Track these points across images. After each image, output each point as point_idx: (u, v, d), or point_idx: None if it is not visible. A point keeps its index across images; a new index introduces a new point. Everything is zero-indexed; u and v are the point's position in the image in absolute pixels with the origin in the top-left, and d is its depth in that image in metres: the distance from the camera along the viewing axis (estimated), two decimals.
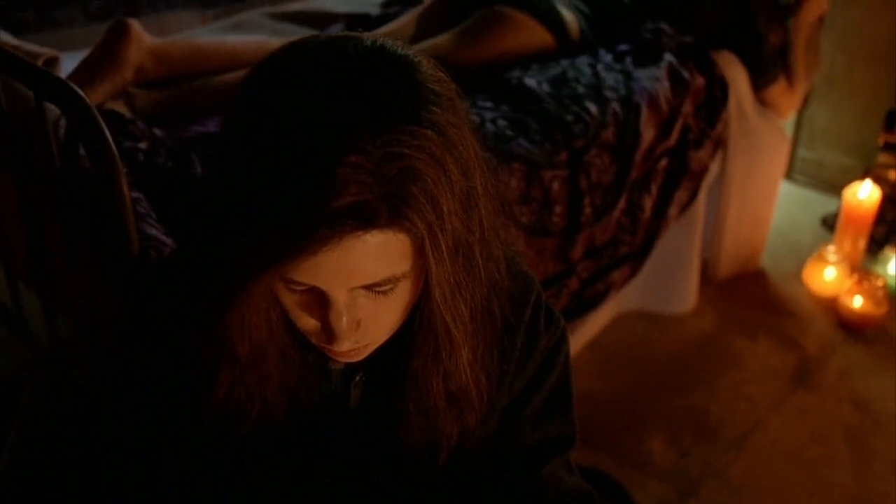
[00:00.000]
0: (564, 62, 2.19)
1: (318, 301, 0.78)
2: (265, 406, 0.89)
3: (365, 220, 0.70)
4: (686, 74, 2.20)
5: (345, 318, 0.77)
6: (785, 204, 2.94)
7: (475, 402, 0.91)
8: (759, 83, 2.45)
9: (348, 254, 0.72)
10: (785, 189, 3.07)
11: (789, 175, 3.18)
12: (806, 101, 3.04)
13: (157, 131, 1.60)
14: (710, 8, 2.39)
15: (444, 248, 0.75)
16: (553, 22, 2.26)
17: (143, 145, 1.51)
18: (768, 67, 2.45)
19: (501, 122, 1.89)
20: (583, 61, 2.20)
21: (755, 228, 2.62)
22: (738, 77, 2.38)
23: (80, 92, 1.23)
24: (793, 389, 2.22)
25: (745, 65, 2.41)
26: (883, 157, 2.66)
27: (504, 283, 0.91)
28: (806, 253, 2.67)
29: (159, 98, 1.81)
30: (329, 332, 0.79)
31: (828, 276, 2.52)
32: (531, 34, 2.22)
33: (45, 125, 1.32)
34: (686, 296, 2.47)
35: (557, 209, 1.87)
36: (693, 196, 2.28)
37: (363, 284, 0.76)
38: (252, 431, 0.91)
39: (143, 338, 0.94)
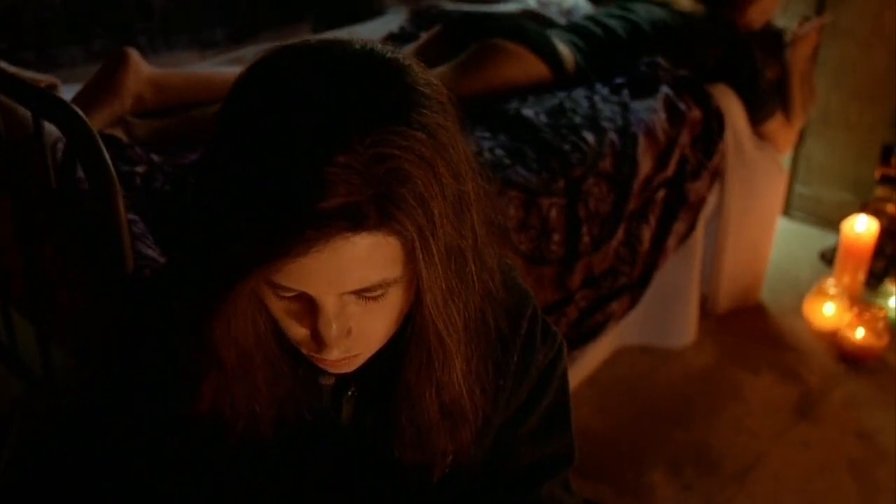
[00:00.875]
0: (561, 94, 2.20)
1: (307, 308, 0.76)
2: (253, 419, 0.87)
3: (353, 221, 0.68)
4: (682, 106, 2.21)
5: (334, 326, 0.75)
6: (783, 240, 2.94)
7: (469, 415, 0.89)
8: (757, 117, 2.46)
9: (337, 257, 0.70)
10: (783, 225, 3.08)
11: (787, 211, 3.18)
12: (802, 138, 3.06)
13: (155, 157, 1.60)
14: (705, 42, 2.42)
15: (435, 252, 0.74)
16: (549, 54, 2.27)
17: (140, 169, 1.51)
18: (765, 101, 2.47)
19: (499, 151, 1.89)
20: (579, 93, 2.21)
21: (754, 262, 2.61)
22: (734, 110, 2.39)
23: (79, 111, 1.22)
24: (795, 422, 2.19)
25: (742, 99, 2.43)
26: (880, 191, 2.66)
27: (499, 293, 0.90)
28: (805, 287, 2.66)
29: (157, 127, 1.81)
30: (319, 341, 0.77)
31: (827, 310, 2.51)
32: (528, 66, 2.24)
33: (43, 145, 1.32)
34: (685, 329, 2.46)
35: (556, 237, 1.87)
36: (691, 228, 2.28)
37: (353, 290, 0.74)
38: (240, 446, 0.89)
39: (135, 350, 0.93)
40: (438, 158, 0.72)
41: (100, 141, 1.20)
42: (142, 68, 1.80)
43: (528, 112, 2.07)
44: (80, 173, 1.37)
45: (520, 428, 0.99)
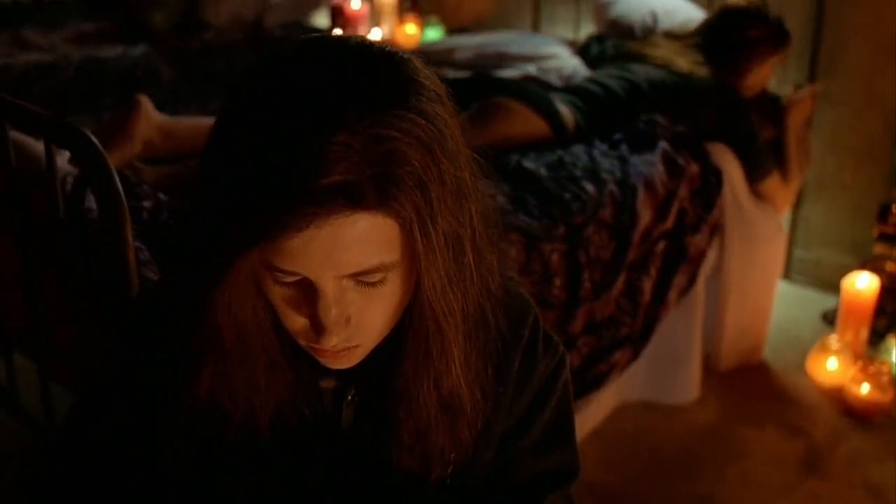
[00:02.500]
0: (560, 150, 2.24)
1: (307, 295, 0.77)
2: (251, 413, 0.86)
3: (352, 199, 0.70)
4: (681, 161, 2.25)
5: (333, 311, 0.76)
6: (784, 302, 2.94)
7: (468, 410, 0.88)
8: (754, 176, 2.51)
9: (336, 236, 0.71)
10: (783, 289, 3.09)
11: (787, 275, 3.19)
12: (799, 201, 3.10)
13: (162, 196, 1.62)
14: (702, 102, 2.47)
15: (433, 236, 0.75)
16: (550, 113, 2.33)
17: (147, 204, 1.53)
18: (762, 161, 2.51)
19: (500, 199, 1.92)
20: (579, 149, 2.26)
21: (755, 320, 2.61)
22: (732, 168, 2.44)
23: (91, 136, 1.26)
24: (803, 477, 2.16)
25: (739, 157, 2.48)
26: (878, 248, 2.68)
27: (499, 293, 0.90)
28: (808, 347, 2.65)
29: (165, 173, 1.85)
30: (318, 328, 0.77)
31: (831, 365, 2.49)
32: (528, 123, 2.29)
33: (54, 172, 1.35)
34: (688, 386, 2.44)
35: (557, 282, 1.88)
36: (692, 281, 2.29)
37: (351, 272, 0.75)
38: (238, 444, 0.88)
39: (133, 348, 0.93)
40: (436, 144, 0.74)
41: (110, 164, 1.23)
42: (152, 115, 1.85)
43: (529, 164, 2.12)
44: (88, 204, 1.40)
45: (522, 439, 0.99)
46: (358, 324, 0.79)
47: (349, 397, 0.92)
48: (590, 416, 2.28)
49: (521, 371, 0.96)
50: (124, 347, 0.95)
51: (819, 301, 3.01)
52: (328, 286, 0.75)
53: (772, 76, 2.63)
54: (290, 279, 0.76)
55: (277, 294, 0.78)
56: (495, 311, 0.90)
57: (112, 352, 0.97)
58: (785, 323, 2.87)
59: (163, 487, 0.93)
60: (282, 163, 0.70)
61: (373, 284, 0.77)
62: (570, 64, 2.95)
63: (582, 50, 3.07)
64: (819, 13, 2.87)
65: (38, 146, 1.55)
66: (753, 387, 2.54)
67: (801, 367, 2.60)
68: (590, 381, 2.04)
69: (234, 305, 0.78)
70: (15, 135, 1.53)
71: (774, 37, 2.54)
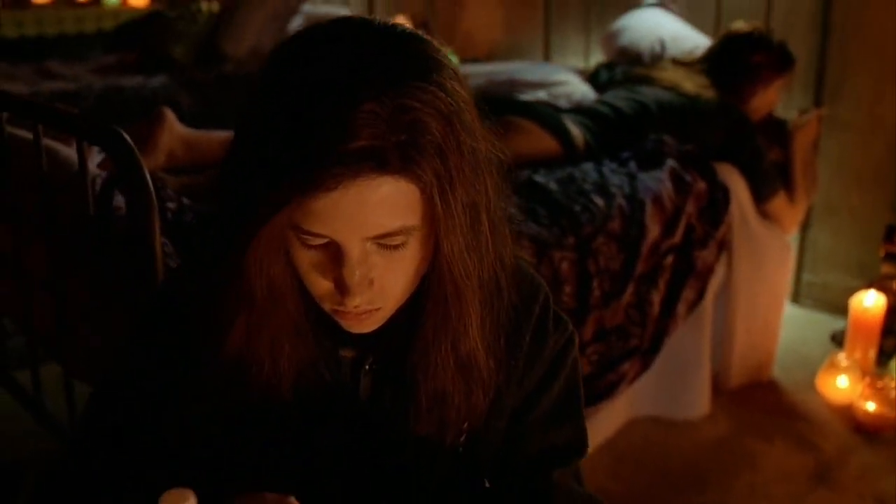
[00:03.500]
0: (570, 167, 2.30)
1: (332, 258, 0.81)
2: (276, 376, 0.90)
3: (378, 163, 0.75)
4: (688, 178, 2.30)
5: (357, 272, 0.81)
6: (793, 325, 2.98)
7: (483, 375, 0.92)
8: (761, 195, 2.55)
9: (362, 198, 0.76)
10: (792, 312, 3.12)
11: (796, 299, 3.23)
12: (807, 225, 3.15)
13: (185, 200, 1.68)
14: (709, 123, 2.53)
15: (451, 202, 0.80)
16: (560, 131, 2.39)
17: (171, 206, 1.59)
18: (768, 180, 2.57)
19: (511, 209, 1.97)
20: (588, 166, 2.32)
21: (764, 337, 2.64)
22: (738, 187, 2.49)
23: (123, 133, 1.32)
24: (812, 488, 2.17)
25: (746, 177, 2.53)
26: (885, 268, 2.72)
27: (512, 267, 0.95)
28: (817, 366, 2.67)
29: (186, 183, 1.91)
30: (342, 288, 0.82)
31: (841, 383, 2.52)
32: (539, 141, 2.35)
33: (86, 169, 1.41)
34: (698, 401, 2.47)
35: (567, 289, 1.92)
36: (700, 296, 2.33)
37: (375, 234, 0.80)
38: (260, 407, 0.92)
39: (161, 323, 0.98)
40: (455, 116, 0.80)
41: (140, 157, 1.29)
42: (176, 127, 1.92)
43: (539, 179, 2.17)
44: (116, 203, 1.46)
45: (532, 412, 1.02)
46: (380, 287, 0.84)
47: (367, 367, 0.96)
48: (601, 429, 2.30)
49: (532, 345, 1.00)
50: (151, 322, 1.00)
51: (828, 323, 3.04)
52: (353, 248, 0.80)
53: (777, 99, 2.69)
54: (318, 242, 0.81)
55: (305, 259, 0.83)
56: (508, 284, 0.95)
57: (138, 328, 1.02)
58: (794, 344, 2.89)
59: (185, 455, 0.97)
60: (314, 127, 0.75)
61: (394, 248, 0.82)
62: (579, 90, 3.02)
63: (591, 77, 3.15)
64: (823, 40, 2.94)
65: (67, 151, 1.62)
66: (763, 403, 2.56)
67: (810, 385, 2.62)
68: (600, 390, 2.07)
69: (265, 263, 0.82)
70: (46, 141, 1.60)
71: (778, 61, 2.60)
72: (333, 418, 0.96)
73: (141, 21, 4.38)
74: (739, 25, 2.68)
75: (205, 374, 0.92)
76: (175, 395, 0.96)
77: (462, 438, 0.98)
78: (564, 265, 1.92)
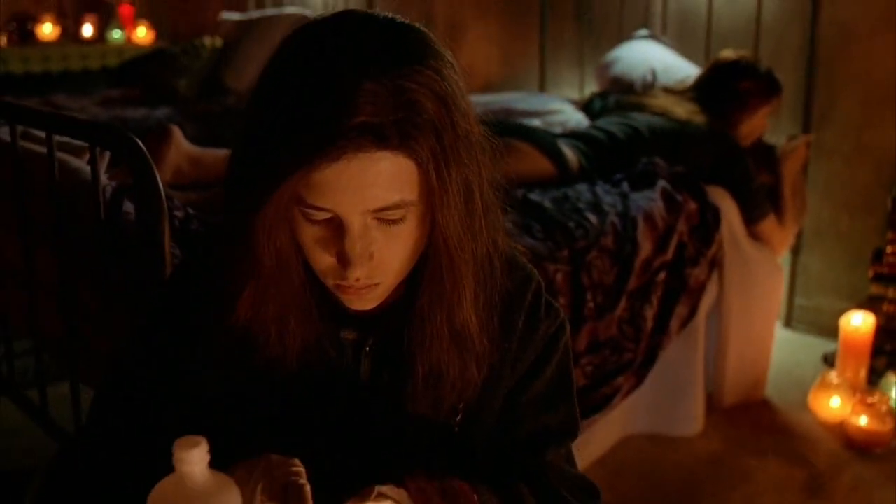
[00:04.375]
0: (564, 188, 2.37)
1: (335, 233, 0.87)
2: (281, 350, 0.95)
3: (378, 139, 0.81)
4: (679, 198, 2.37)
5: (358, 245, 0.86)
6: (786, 348, 3.03)
7: (476, 348, 0.97)
8: (751, 217, 2.62)
9: (363, 172, 0.82)
10: (785, 335, 3.17)
11: (789, 323, 3.28)
12: (798, 251, 3.21)
13: (191, 210, 1.74)
14: (700, 146, 2.61)
15: (447, 179, 0.86)
16: (555, 153, 2.46)
17: (179, 214, 1.65)
18: (758, 202, 2.63)
19: (506, 224, 2.03)
20: (582, 186, 2.39)
21: (757, 355, 2.69)
22: (729, 209, 2.55)
23: (136, 139, 1.38)
24: (806, 501, 2.20)
25: (736, 199, 2.59)
26: (874, 289, 2.77)
27: (504, 250, 1.00)
28: (809, 387, 2.70)
29: (193, 199, 1.97)
30: (344, 261, 0.87)
31: (833, 402, 2.56)
32: (534, 162, 2.42)
33: (97, 175, 1.47)
34: (692, 418, 2.50)
35: (561, 300, 1.97)
36: (692, 312, 2.38)
37: (375, 207, 0.85)
38: (266, 381, 0.96)
39: (172, 302, 1.03)
40: (450, 99, 0.86)
41: (151, 160, 1.35)
42: (182, 144, 1.98)
43: (534, 197, 2.23)
44: (122, 209, 1.52)
45: (525, 395, 1.06)
46: (379, 261, 0.89)
47: (367, 348, 1.01)
48: (595, 445, 2.34)
49: (525, 330, 1.05)
50: (161, 306, 1.04)
51: (820, 346, 3.09)
52: (354, 221, 0.85)
53: (766, 124, 2.77)
54: (321, 217, 0.86)
55: (309, 235, 0.88)
56: (502, 268, 1.00)
57: (149, 312, 1.06)
58: (787, 365, 2.94)
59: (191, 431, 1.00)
60: (319, 104, 0.81)
61: (393, 223, 0.87)
62: (574, 118, 3.10)
63: (586, 105, 3.23)
64: (810, 70, 3.02)
65: (78, 162, 1.68)
66: (756, 421, 2.59)
67: (803, 404, 2.66)
68: (595, 402, 2.11)
69: (273, 233, 0.87)
70: (61, 156, 1.66)
71: (766, 88, 2.68)
72: (335, 397, 1.00)
73: (145, 58, 4.48)
74: (727, 53, 2.77)
75: (213, 350, 0.96)
76: (184, 376, 1.00)
77: (458, 418, 1.03)
78: (559, 277, 1.97)
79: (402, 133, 0.82)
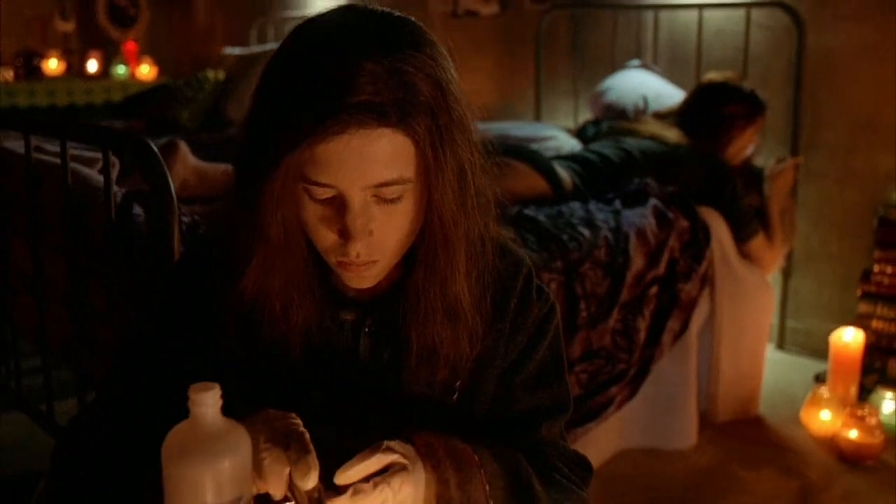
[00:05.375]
0: (559, 206, 2.44)
1: (338, 210, 0.92)
2: (287, 325, 1.00)
3: (377, 116, 0.87)
4: (670, 215, 2.43)
5: (359, 220, 0.92)
6: (779, 369, 3.08)
7: (469, 322, 1.02)
8: (740, 236, 2.68)
9: (363, 148, 0.88)
10: (778, 357, 3.22)
11: (781, 345, 3.33)
12: (789, 274, 3.27)
13: (197, 217, 1.80)
14: (690, 168, 2.68)
15: (441, 157, 0.91)
16: (550, 173, 2.54)
17: (186, 219, 1.71)
18: (747, 222, 2.70)
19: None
20: (575, 204, 2.46)
21: (749, 371, 2.73)
22: (719, 228, 2.62)
23: (148, 142, 1.45)
24: None
25: (725, 218, 2.66)
26: (863, 307, 2.83)
27: (496, 235, 1.06)
28: (802, 404, 2.74)
29: (198, 212, 2.03)
30: (346, 235, 0.92)
31: (824, 416, 2.60)
32: (530, 180, 2.49)
33: (109, 178, 1.53)
34: (686, 432, 2.54)
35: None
36: (684, 327, 2.43)
37: (375, 183, 0.90)
38: (270, 357, 1.01)
39: (181, 283, 1.08)
40: (444, 84, 0.92)
41: (161, 159, 1.41)
42: (189, 158, 2.05)
43: (529, 212, 2.30)
44: (132, 211, 1.58)
45: (518, 375, 1.11)
46: (378, 238, 0.95)
47: (366, 329, 1.06)
48: (592, 458, 2.28)
49: (517, 313, 1.10)
50: (172, 282, 1.10)
51: (812, 367, 3.13)
52: (355, 197, 0.91)
53: (755, 140, 2.84)
54: (325, 195, 0.92)
55: (313, 213, 0.94)
56: (494, 250, 1.05)
57: (160, 289, 1.12)
58: (779, 384, 2.98)
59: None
60: (323, 83, 0.88)
61: (391, 201, 0.93)
62: (568, 143, 3.18)
63: (579, 132, 3.32)
64: (797, 96, 3.11)
65: (89, 171, 1.75)
66: (749, 436, 2.63)
67: (796, 421, 2.70)
68: (590, 411, 2.16)
69: (280, 203, 0.93)
70: (74, 166, 1.72)
71: (750, 109, 2.77)
72: (336, 376, 1.05)
73: (148, 92, 4.57)
74: (713, 75, 2.85)
75: (222, 323, 1.01)
76: (194, 347, 1.04)
77: (455, 396, 1.08)
78: (553, 286, 2.03)
79: (401, 112, 0.88)
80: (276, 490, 0.85)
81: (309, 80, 0.89)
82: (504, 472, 1.03)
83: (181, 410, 0.80)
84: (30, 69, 5.32)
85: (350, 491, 0.90)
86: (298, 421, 0.90)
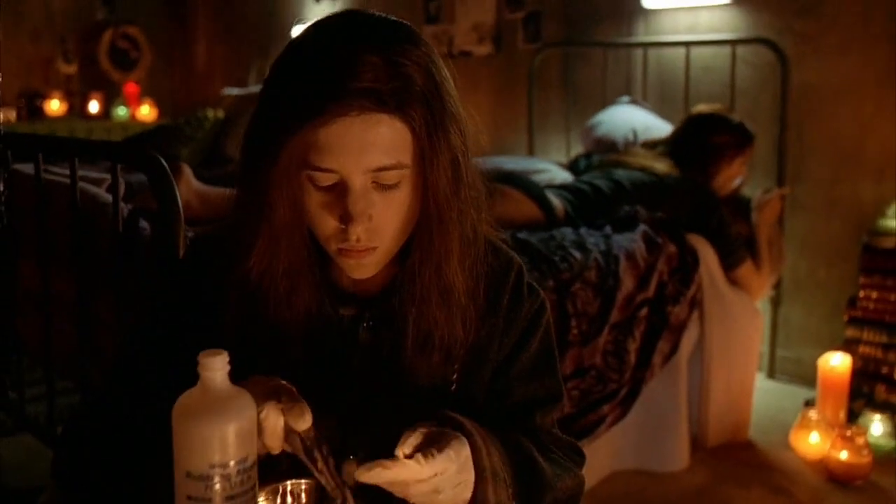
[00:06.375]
0: (550, 231, 2.50)
1: (339, 197, 0.98)
2: (289, 311, 1.05)
3: (377, 102, 0.94)
4: (659, 240, 2.50)
5: (360, 204, 0.97)
6: (769, 396, 3.13)
7: (462, 304, 1.07)
8: (728, 262, 2.75)
9: (363, 133, 0.94)
10: (769, 385, 3.27)
11: (772, 374, 3.37)
12: (778, 303, 3.33)
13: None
14: (678, 196, 2.75)
15: (436, 145, 0.98)
16: (542, 200, 2.61)
17: (189, 234, 1.77)
18: (734, 249, 2.77)
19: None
20: (567, 229, 2.52)
21: (739, 396, 2.78)
22: (707, 254, 2.68)
23: (157, 155, 1.51)
24: None
25: (714, 246, 2.73)
26: (850, 332, 2.88)
27: (488, 229, 1.11)
28: (792, 429, 2.79)
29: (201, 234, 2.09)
30: (346, 218, 0.98)
31: (813, 438, 2.64)
32: (522, 206, 2.57)
33: (118, 192, 1.59)
34: (677, 454, 2.58)
35: None
36: (674, 349, 2.49)
37: (375, 167, 0.96)
38: (270, 349, 1.06)
39: (186, 276, 1.13)
40: (438, 78, 1.00)
41: (169, 171, 1.48)
42: (192, 181, 2.12)
43: (521, 236, 2.37)
44: (138, 225, 1.64)
45: (512, 368, 1.17)
46: (377, 224, 1.00)
47: (365, 324, 1.11)
48: (585, 478, 2.40)
49: (510, 308, 1.16)
50: (178, 272, 1.16)
51: (802, 394, 3.17)
52: (356, 181, 0.97)
53: (742, 174, 2.92)
54: (327, 181, 0.98)
55: (315, 200, 0.99)
56: (486, 244, 1.11)
57: (166, 280, 1.17)
58: (770, 411, 3.03)
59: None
60: (326, 70, 0.95)
61: (390, 188, 0.99)
62: (560, 176, 3.26)
63: (571, 166, 3.40)
64: (782, 130, 3.20)
65: (96, 189, 1.81)
66: (740, 458, 2.67)
67: (786, 444, 2.74)
68: (582, 428, 2.20)
69: (285, 185, 0.98)
70: (82, 185, 1.79)
71: (738, 140, 2.85)
72: (336, 368, 1.10)
73: (148, 133, 4.66)
74: (701, 108, 2.95)
75: (227, 307, 1.06)
76: (193, 342, 1.09)
77: (453, 387, 1.12)
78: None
79: (398, 99, 0.95)
80: (274, 442, 0.89)
81: (314, 69, 0.96)
82: (507, 447, 1.06)
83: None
84: (32, 109, 5.42)
85: (418, 456, 0.92)
86: (285, 381, 0.94)
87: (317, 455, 0.91)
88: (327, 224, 1.00)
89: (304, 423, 0.89)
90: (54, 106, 5.49)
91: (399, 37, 0.99)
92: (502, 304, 1.15)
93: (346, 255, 1.03)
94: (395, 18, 1.04)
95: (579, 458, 1.19)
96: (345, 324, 1.11)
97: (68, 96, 5.67)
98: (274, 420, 0.89)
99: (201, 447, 0.81)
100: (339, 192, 0.99)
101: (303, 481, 0.99)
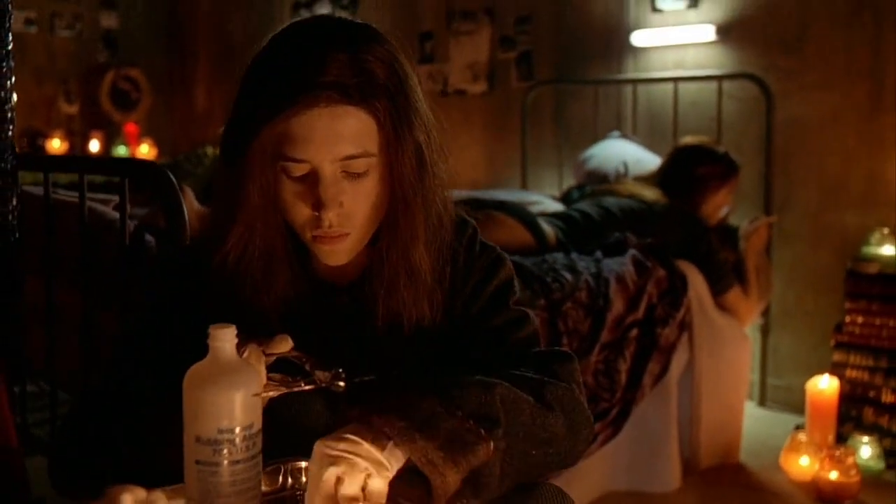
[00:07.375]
0: (542, 256, 2.57)
1: (311, 186, 1.05)
2: (267, 293, 1.11)
3: (343, 94, 1.02)
4: (648, 264, 2.57)
5: (331, 190, 1.05)
6: (760, 423, 3.17)
7: (428, 284, 1.13)
8: (716, 288, 2.82)
9: (332, 124, 1.02)
10: (759, 413, 3.31)
11: (762, 402, 3.42)
12: (768, 332, 3.39)
13: None
14: (667, 224, 2.83)
15: (401, 135, 1.05)
16: (534, 227, 2.68)
17: None
18: (722, 275, 2.83)
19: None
20: (558, 254, 2.59)
21: (730, 417, 2.82)
22: (696, 280, 2.75)
23: (165, 170, 1.58)
24: None
25: (702, 272, 2.79)
26: (837, 356, 2.93)
27: (451, 220, 1.16)
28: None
29: None
30: (319, 205, 1.04)
31: (803, 461, 2.68)
32: (514, 232, 2.64)
33: (125, 205, 1.66)
34: (669, 475, 2.62)
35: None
36: (664, 370, 2.54)
37: (344, 156, 1.04)
38: (253, 320, 1.09)
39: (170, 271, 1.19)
40: (401, 73, 1.08)
41: (176, 184, 1.55)
42: (193, 202, 2.18)
43: (513, 259, 2.43)
44: (144, 238, 1.70)
45: (474, 307, 1.19)
46: (348, 211, 1.07)
47: (339, 309, 1.16)
48: (576, 498, 2.43)
49: (465, 265, 1.19)
50: (162, 272, 1.22)
51: (792, 420, 3.21)
52: (327, 170, 1.04)
53: (728, 203, 3.00)
54: (299, 171, 1.05)
55: (289, 190, 1.06)
56: (450, 230, 1.16)
57: (151, 282, 1.23)
58: (761, 436, 3.07)
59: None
60: (296, 66, 1.04)
61: (359, 176, 1.06)
62: (552, 207, 3.33)
63: (563, 197, 3.48)
64: (769, 161, 3.29)
65: (103, 208, 1.88)
66: (731, 480, 2.71)
67: (776, 467, 2.78)
68: None
69: (259, 171, 1.06)
70: (90, 204, 1.85)
71: (723, 170, 2.94)
72: (314, 348, 1.13)
73: None
74: (688, 140, 3.04)
75: (208, 296, 1.11)
76: (186, 326, 1.10)
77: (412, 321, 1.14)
78: (536, 322, 2.14)
79: (362, 92, 1.03)
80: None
81: (286, 65, 1.05)
82: (464, 385, 1.03)
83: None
84: (34, 148, 5.50)
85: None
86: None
87: (304, 360, 0.99)
88: (301, 212, 1.07)
89: (287, 344, 0.98)
90: (55, 145, 5.57)
91: (364, 36, 1.08)
92: (458, 263, 1.19)
93: (321, 241, 1.09)
94: (360, 21, 1.12)
95: (568, 361, 1.22)
96: (320, 310, 1.16)
97: (69, 135, 5.76)
98: (256, 356, 0.96)
99: (211, 412, 0.86)
100: (311, 181, 1.06)
101: (302, 462, 1.04)
